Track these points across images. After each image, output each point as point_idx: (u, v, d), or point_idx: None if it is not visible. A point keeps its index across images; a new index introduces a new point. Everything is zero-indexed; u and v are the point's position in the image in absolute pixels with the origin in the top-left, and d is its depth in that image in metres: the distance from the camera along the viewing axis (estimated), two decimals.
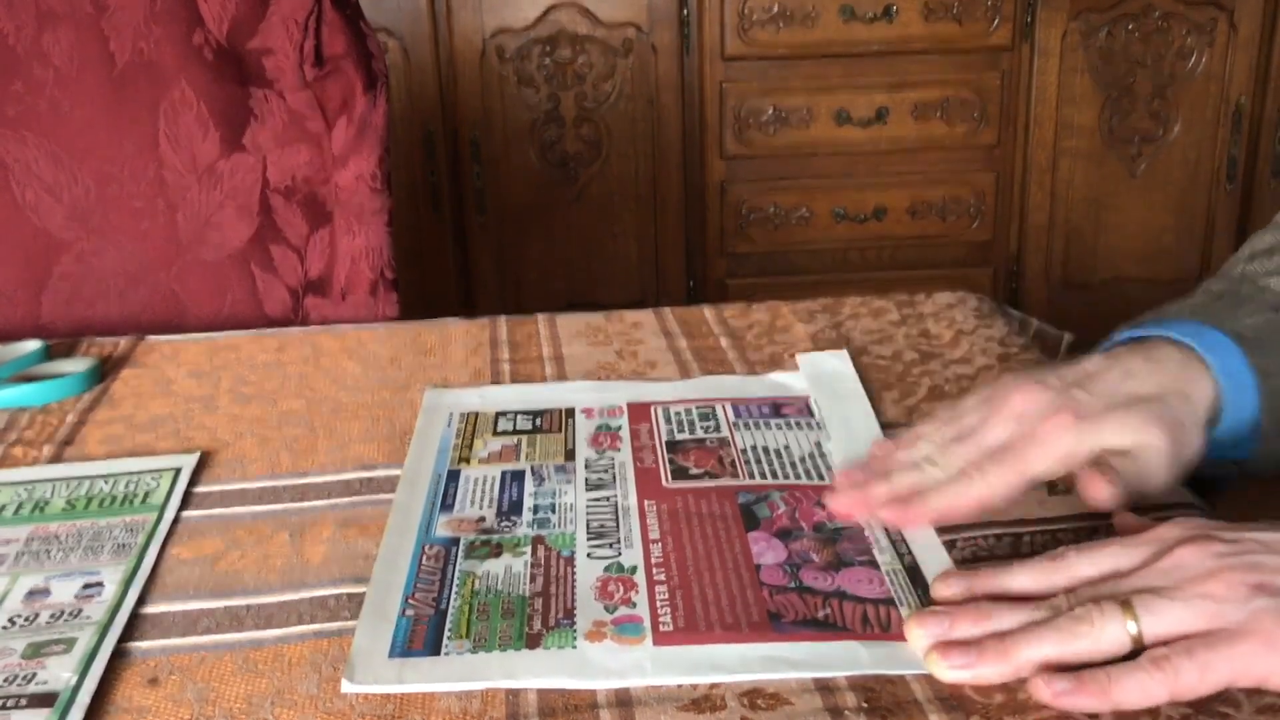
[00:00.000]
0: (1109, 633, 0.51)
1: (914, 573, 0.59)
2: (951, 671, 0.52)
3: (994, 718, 0.50)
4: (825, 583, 0.59)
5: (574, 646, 0.54)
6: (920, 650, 0.53)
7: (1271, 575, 0.51)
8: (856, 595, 0.57)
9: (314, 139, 1.10)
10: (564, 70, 2.24)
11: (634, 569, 0.60)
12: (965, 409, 0.64)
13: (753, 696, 0.51)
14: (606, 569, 0.60)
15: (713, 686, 0.52)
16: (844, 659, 0.53)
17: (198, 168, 1.09)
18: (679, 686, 0.52)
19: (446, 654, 0.54)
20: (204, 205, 1.10)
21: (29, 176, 1.07)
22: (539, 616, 0.56)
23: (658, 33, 2.23)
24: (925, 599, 0.57)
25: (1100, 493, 0.59)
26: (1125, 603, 0.51)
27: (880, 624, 0.55)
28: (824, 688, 0.52)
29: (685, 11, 2.22)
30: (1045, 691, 0.50)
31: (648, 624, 0.56)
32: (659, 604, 0.57)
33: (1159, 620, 0.50)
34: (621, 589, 0.58)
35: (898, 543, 0.62)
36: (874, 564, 0.60)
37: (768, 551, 0.61)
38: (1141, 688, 0.49)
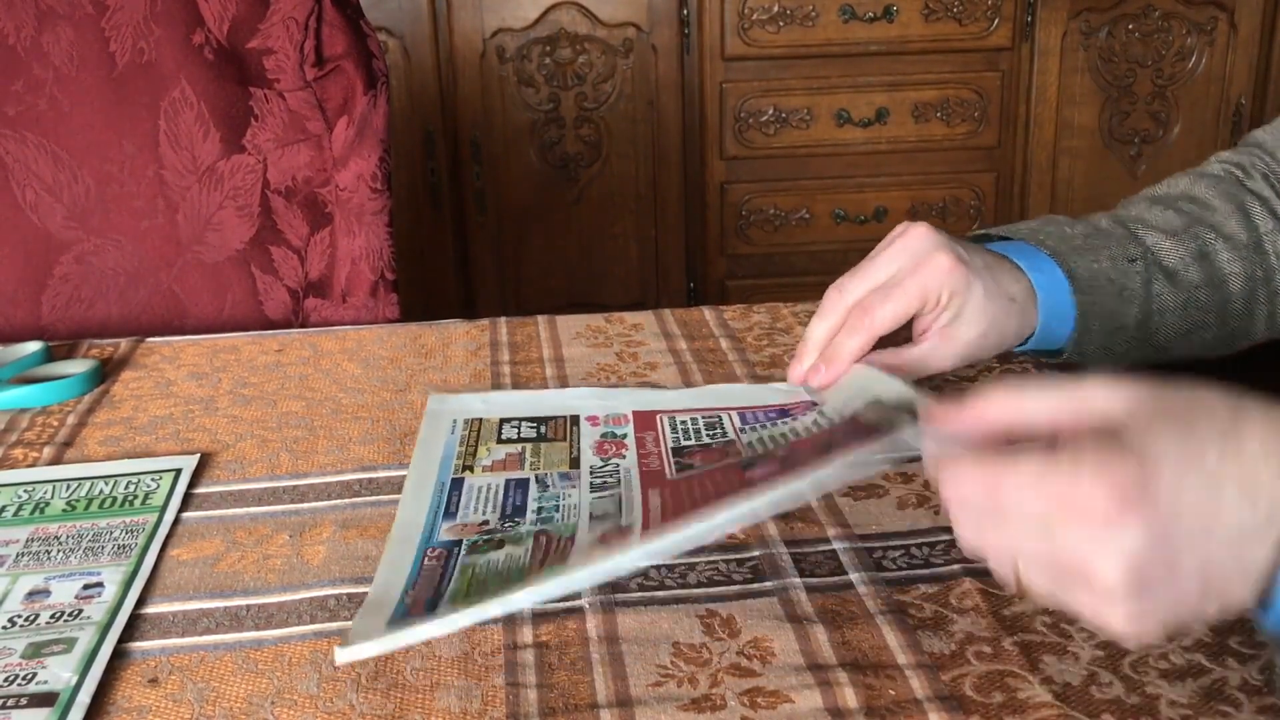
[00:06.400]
0: None
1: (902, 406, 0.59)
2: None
3: (994, 717, 0.50)
4: (817, 454, 0.57)
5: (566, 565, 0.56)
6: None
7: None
8: (847, 446, 0.55)
9: (314, 139, 1.10)
10: (564, 70, 2.24)
11: (631, 526, 0.62)
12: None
13: (753, 695, 0.51)
14: (606, 531, 0.61)
15: (713, 686, 0.52)
16: (830, 476, 0.52)
17: (198, 168, 1.09)
18: (679, 686, 0.52)
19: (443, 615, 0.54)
20: (204, 205, 1.10)
21: (29, 176, 1.07)
22: (536, 569, 0.58)
23: (658, 33, 2.23)
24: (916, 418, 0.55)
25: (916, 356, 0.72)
26: None
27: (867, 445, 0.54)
28: (824, 683, 0.52)
29: (685, 11, 2.22)
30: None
31: (638, 533, 0.58)
32: (652, 520, 0.60)
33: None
34: (619, 535, 0.60)
35: (876, 401, 0.61)
36: (863, 432, 0.58)
37: (761, 468, 0.63)
38: None
